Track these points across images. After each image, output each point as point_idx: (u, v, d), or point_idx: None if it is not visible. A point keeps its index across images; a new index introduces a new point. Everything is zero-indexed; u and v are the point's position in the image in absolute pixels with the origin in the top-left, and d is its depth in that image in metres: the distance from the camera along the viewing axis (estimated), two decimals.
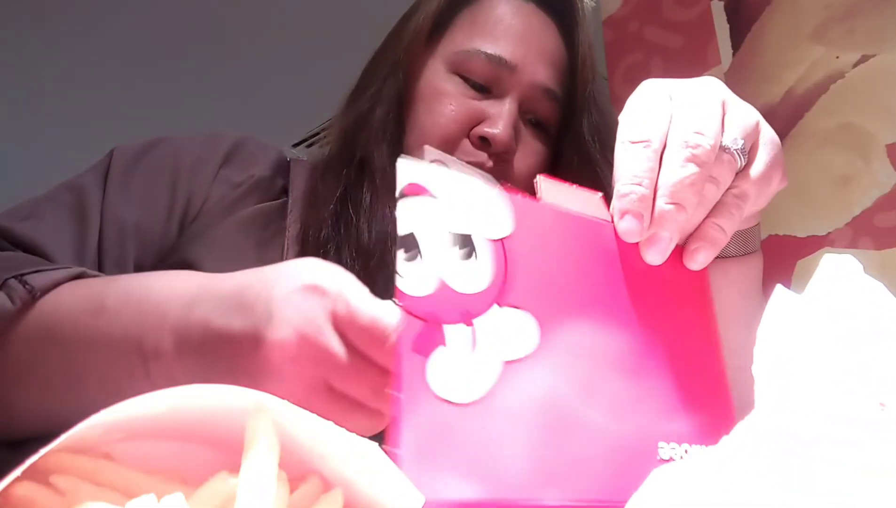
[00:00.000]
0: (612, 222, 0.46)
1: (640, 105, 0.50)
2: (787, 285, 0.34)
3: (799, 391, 0.30)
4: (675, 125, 0.48)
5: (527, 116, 0.78)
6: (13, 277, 0.51)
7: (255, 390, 0.33)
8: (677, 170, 0.46)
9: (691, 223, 0.49)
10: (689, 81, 0.51)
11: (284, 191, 0.75)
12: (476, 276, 0.39)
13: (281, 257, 0.70)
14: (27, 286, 0.50)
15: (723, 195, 0.49)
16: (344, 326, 0.41)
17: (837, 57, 1.43)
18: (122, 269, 0.65)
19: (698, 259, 0.48)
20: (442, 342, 0.37)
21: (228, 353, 0.43)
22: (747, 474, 0.28)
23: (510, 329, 0.39)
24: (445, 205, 0.39)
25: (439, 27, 0.78)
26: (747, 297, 0.60)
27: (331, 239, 0.70)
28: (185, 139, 0.75)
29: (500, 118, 0.74)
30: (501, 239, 0.41)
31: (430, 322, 0.37)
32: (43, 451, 0.27)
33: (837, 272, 0.33)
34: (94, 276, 0.54)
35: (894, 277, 1.26)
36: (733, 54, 1.59)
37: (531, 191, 0.77)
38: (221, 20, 2.39)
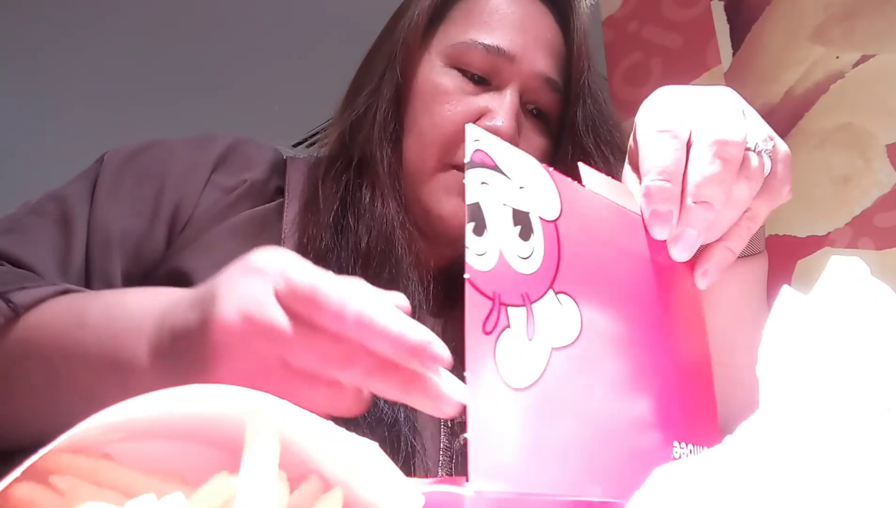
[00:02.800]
0: (642, 215, 0.46)
1: (662, 102, 0.50)
2: (787, 285, 0.34)
3: (803, 394, 0.30)
4: (701, 123, 0.48)
5: (528, 108, 0.76)
6: None
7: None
8: (705, 166, 0.46)
9: (722, 222, 0.48)
10: (706, 88, 0.52)
11: (280, 192, 0.74)
12: (532, 256, 0.38)
13: None
14: (10, 304, 0.50)
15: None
16: (287, 299, 0.41)
17: (837, 57, 1.43)
18: (107, 279, 0.64)
19: (706, 280, 0.49)
20: (507, 324, 0.36)
21: (189, 348, 0.43)
22: (750, 475, 0.28)
23: (560, 316, 0.38)
24: (507, 179, 0.38)
25: (434, 21, 0.77)
26: (752, 297, 0.60)
27: (331, 248, 0.68)
28: (177, 143, 0.74)
29: (501, 111, 0.72)
30: (554, 221, 0.40)
31: (495, 302, 0.36)
32: (43, 451, 0.27)
33: (844, 274, 0.33)
34: (78, 292, 0.53)
35: (894, 277, 1.26)
36: (733, 54, 1.59)
37: None
38: (221, 19, 2.39)
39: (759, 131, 0.50)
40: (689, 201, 0.46)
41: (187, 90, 2.57)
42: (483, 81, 0.74)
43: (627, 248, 0.44)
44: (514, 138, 0.72)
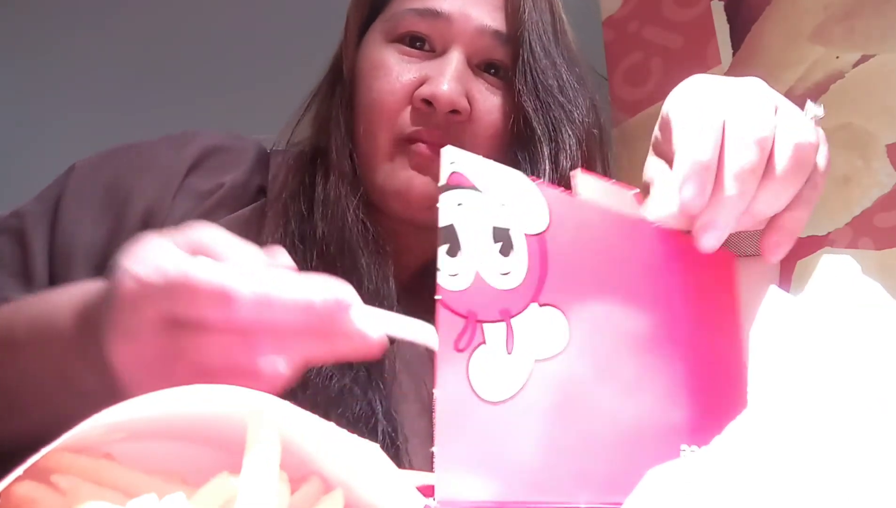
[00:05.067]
0: (647, 220, 0.46)
1: (695, 92, 0.50)
2: (787, 285, 0.34)
3: (794, 392, 0.30)
4: (734, 114, 0.47)
5: (485, 69, 0.72)
6: None
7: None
8: (740, 155, 0.45)
9: (786, 194, 0.47)
10: (738, 79, 0.51)
11: (263, 191, 0.71)
12: (514, 272, 0.38)
13: None
14: None
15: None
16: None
17: (837, 57, 1.43)
18: None
19: (781, 250, 0.48)
20: (482, 340, 0.36)
21: (99, 318, 0.41)
22: (742, 474, 0.28)
23: (545, 328, 0.39)
24: (486, 198, 0.39)
25: (378, 6, 0.75)
26: (759, 297, 0.60)
27: (296, 239, 0.66)
28: (149, 146, 0.71)
29: (441, 75, 0.68)
30: (540, 234, 0.40)
31: (469, 320, 0.36)
32: (44, 450, 0.27)
33: (835, 273, 0.34)
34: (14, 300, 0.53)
35: (894, 277, 1.26)
36: (733, 54, 1.59)
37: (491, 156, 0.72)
38: (220, 15, 2.39)
39: (796, 114, 0.50)
40: (723, 188, 0.45)
41: (184, 86, 2.57)
42: (425, 50, 0.71)
43: (630, 255, 0.44)
44: (459, 102, 0.68)
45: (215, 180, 0.69)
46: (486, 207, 0.38)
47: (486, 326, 0.36)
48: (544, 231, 0.40)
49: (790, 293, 0.35)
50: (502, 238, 0.38)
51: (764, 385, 0.31)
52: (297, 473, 0.32)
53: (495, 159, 0.66)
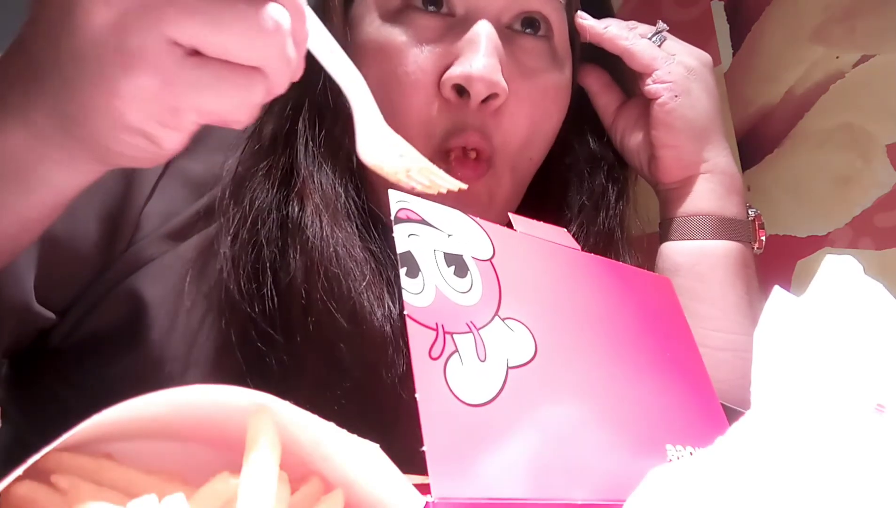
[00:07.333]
0: (581, 250, 0.50)
1: None
2: (787, 285, 0.35)
3: (795, 393, 0.30)
4: None
5: (520, 32, 0.58)
6: None
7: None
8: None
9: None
10: None
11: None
12: (472, 290, 0.41)
13: None
14: None
15: None
16: None
17: (837, 57, 1.43)
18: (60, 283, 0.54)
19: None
20: (455, 349, 0.38)
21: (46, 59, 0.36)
22: (744, 475, 0.28)
23: (512, 338, 0.41)
24: (435, 230, 0.42)
25: None
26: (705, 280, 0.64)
27: (265, 274, 0.54)
28: None
29: (470, 49, 0.52)
30: (488, 260, 0.43)
31: (438, 331, 0.38)
32: (44, 450, 0.27)
33: (838, 274, 0.34)
34: None
35: (894, 277, 1.26)
36: (733, 54, 1.59)
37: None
38: None
39: None
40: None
41: None
42: (442, 15, 0.56)
43: (576, 278, 0.47)
44: (497, 83, 0.53)
45: (211, 159, 0.58)
46: (436, 237, 0.41)
47: (455, 336, 0.38)
48: (491, 258, 0.43)
49: (792, 293, 0.36)
50: (455, 262, 0.41)
51: (767, 386, 0.31)
52: (298, 473, 0.32)
53: (538, 151, 0.63)
